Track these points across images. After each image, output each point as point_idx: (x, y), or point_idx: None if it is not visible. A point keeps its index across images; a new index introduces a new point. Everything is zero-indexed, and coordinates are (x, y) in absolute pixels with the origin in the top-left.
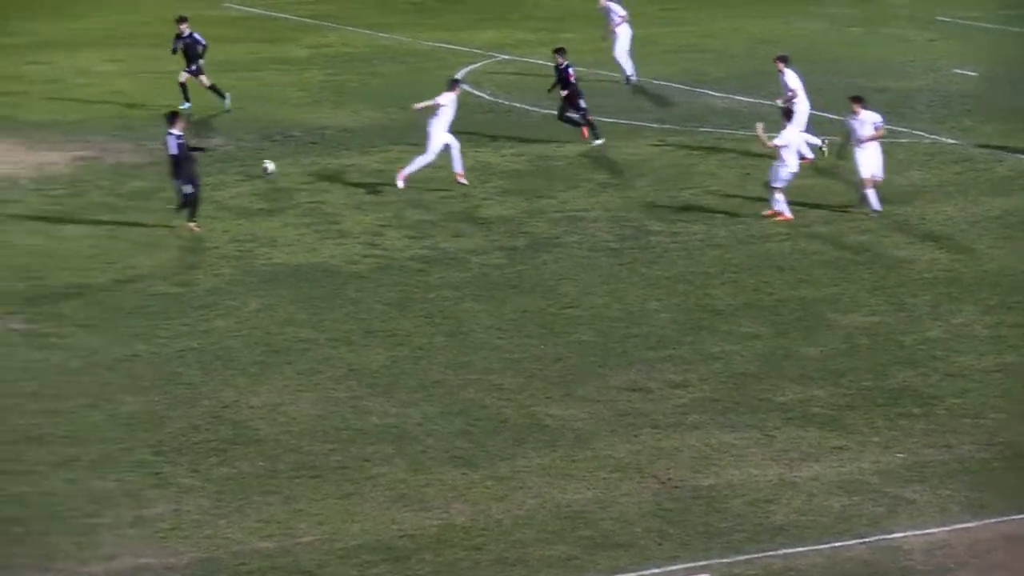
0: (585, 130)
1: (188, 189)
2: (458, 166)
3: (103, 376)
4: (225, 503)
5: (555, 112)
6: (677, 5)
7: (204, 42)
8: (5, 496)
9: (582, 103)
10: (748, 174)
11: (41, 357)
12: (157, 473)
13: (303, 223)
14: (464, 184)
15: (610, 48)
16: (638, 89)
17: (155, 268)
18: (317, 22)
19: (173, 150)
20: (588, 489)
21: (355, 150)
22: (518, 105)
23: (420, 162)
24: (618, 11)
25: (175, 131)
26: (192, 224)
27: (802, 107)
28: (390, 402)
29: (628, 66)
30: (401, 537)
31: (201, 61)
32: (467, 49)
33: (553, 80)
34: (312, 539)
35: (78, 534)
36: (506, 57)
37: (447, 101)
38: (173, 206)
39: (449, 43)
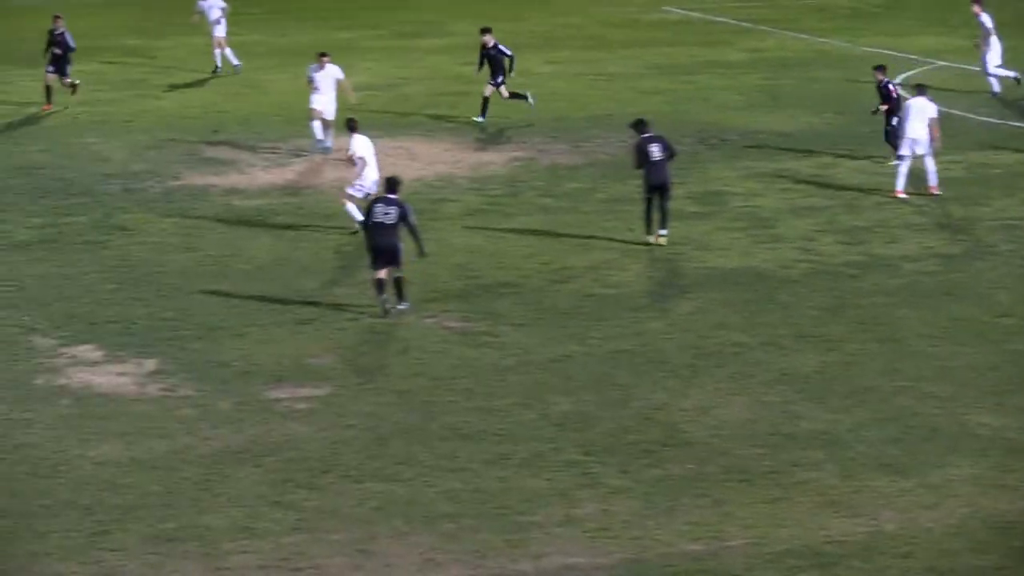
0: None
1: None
2: (901, 183)
3: (536, 375)
4: (654, 505)
5: (994, 120)
6: None
7: (510, 53)
8: (438, 492)
9: (895, 121)
10: None
11: (475, 355)
12: (587, 473)
13: (737, 227)
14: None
15: (980, 57)
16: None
17: (589, 269)
18: (754, 26)
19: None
20: (1021, 500)
21: (790, 155)
22: (956, 112)
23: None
24: (987, 22)
25: (650, 132)
26: (656, 236)
27: None
28: (821, 407)
29: (1003, 73)
30: (829, 543)
31: (512, 73)
32: (904, 55)
33: (878, 101)
34: (740, 543)
35: (508, 532)
36: (943, 64)
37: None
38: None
39: (887, 49)
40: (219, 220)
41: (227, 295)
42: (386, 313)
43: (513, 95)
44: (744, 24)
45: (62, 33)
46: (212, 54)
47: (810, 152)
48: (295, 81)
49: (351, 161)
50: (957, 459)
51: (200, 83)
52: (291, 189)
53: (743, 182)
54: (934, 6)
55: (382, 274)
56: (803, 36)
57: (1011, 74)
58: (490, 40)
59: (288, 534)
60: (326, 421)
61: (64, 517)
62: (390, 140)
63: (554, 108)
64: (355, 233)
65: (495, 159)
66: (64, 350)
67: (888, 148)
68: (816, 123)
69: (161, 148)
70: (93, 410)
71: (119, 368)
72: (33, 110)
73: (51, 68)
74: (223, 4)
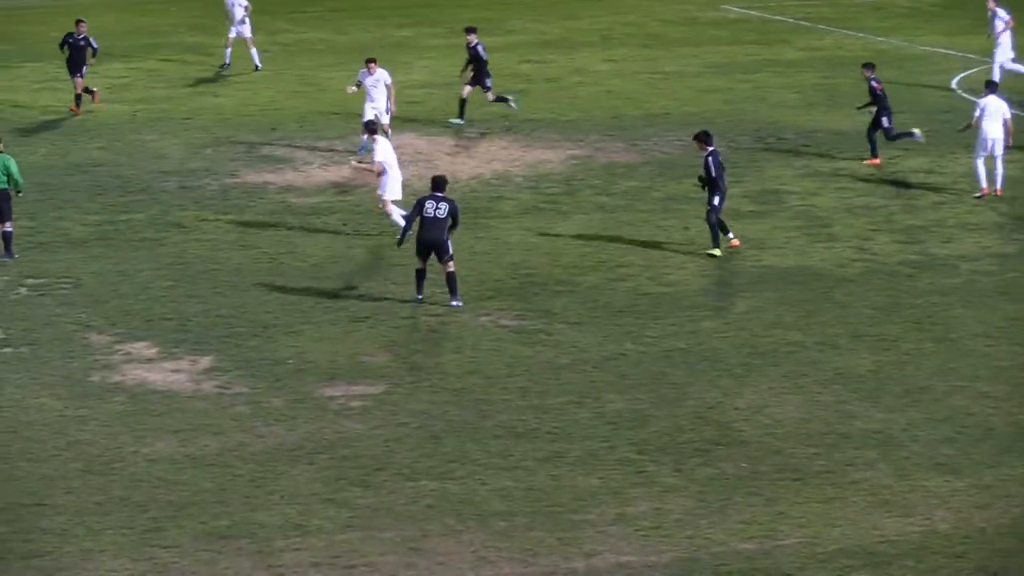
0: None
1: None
2: (984, 181)
3: (590, 374)
4: (707, 503)
5: None
6: None
7: (485, 57)
8: (491, 490)
9: (885, 121)
10: None
11: (530, 353)
12: (640, 472)
13: (793, 226)
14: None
15: (991, 53)
16: None
17: (645, 267)
18: (812, 25)
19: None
20: None
21: (847, 154)
22: (1016, 113)
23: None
24: (1003, 16)
25: (712, 147)
26: (718, 246)
27: None
28: (875, 407)
29: (1016, 67)
30: (882, 543)
31: (488, 81)
32: (962, 54)
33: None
34: (793, 542)
35: (561, 530)
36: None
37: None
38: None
39: (946, 48)
40: (275, 218)
41: (282, 293)
42: (420, 302)
43: (499, 98)
44: (802, 23)
45: (85, 37)
46: (250, 53)
47: (867, 151)
48: (354, 79)
49: (379, 171)
50: (1011, 459)
51: (258, 81)
52: (347, 187)
53: (800, 181)
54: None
55: (422, 264)
56: (861, 35)
57: (998, 71)
58: (473, 40)
59: (341, 532)
60: (380, 419)
61: (118, 514)
62: (447, 138)
63: (611, 106)
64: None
65: (552, 157)
66: (120, 347)
67: (867, 145)
68: None
69: (218, 146)
70: (148, 407)
71: (174, 365)
72: (91, 107)
73: (77, 72)
74: (246, 3)
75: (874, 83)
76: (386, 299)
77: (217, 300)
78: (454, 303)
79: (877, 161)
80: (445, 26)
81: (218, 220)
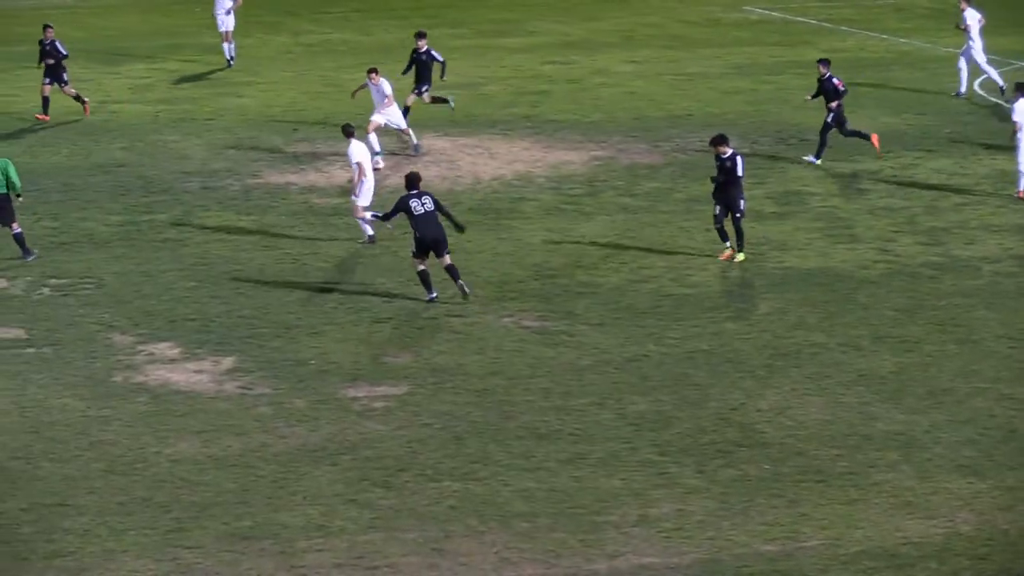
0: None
1: (716, 210)
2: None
3: (612, 375)
4: (730, 505)
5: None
6: None
7: (441, 59)
8: (514, 491)
9: (829, 117)
10: None
11: (553, 354)
12: (663, 473)
13: (815, 227)
14: None
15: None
16: None
17: (667, 269)
18: (835, 26)
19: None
20: None
21: (869, 155)
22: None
23: None
24: (973, 15)
25: (730, 150)
26: (730, 253)
27: None
28: (898, 408)
29: (964, 73)
30: (904, 544)
31: (443, 78)
32: (985, 56)
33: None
34: (815, 544)
35: (584, 531)
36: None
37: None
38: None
39: None
40: (298, 218)
41: (305, 293)
42: (433, 300)
43: (435, 99)
44: (824, 24)
45: (52, 42)
46: (223, 48)
47: (889, 152)
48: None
49: (361, 171)
50: None
51: (281, 82)
52: None
53: (822, 182)
54: (1015, 5)
55: (423, 265)
56: (883, 36)
57: (962, 86)
58: (423, 45)
59: (363, 532)
60: (402, 420)
61: (140, 514)
62: (469, 139)
63: (634, 107)
64: (365, 244)
65: (574, 158)
66: (142, 347)
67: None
68: (895, 123)
69: (241, 146)
70: (170, 407)
71: (197, 366)
72: (114, 107)
73: (47, 79)
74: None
75: (835, 80)
76: (409, 300)
77: (240, 301)
78: (466, 289)
79: (875, 138)
80: (469, 27)
81: (241, 220)
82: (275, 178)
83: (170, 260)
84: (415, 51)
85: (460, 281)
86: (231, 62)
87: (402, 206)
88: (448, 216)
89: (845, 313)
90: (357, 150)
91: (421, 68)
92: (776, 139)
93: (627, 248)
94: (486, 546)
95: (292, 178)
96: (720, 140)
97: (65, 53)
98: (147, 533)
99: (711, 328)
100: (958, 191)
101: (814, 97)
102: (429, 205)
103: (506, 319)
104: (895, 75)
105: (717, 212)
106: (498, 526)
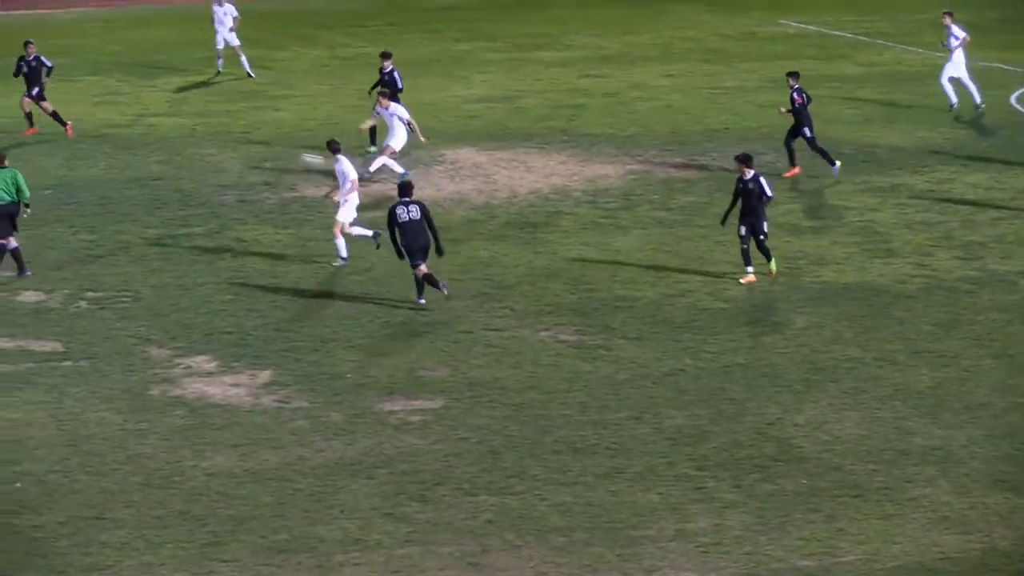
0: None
1: (742, 231)
2: None
3: (649, 389)
4: (767, 520)
5: None
6: None
7: (400, 85)
8: (550, 505)
9: (807, 131)
10: None
11: (589, 369)
12: (700, 488)
13: (852, 241)
14: None
15: (940, 69)
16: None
17: (703, 283)
18: (871, 40)
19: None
20: None
21: (906, 169)
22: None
23: None
24: (957, 33)
25: (752, 171)
26: (752, 278)
27: None
28: (935, 423)
29: (949, 90)
30: (942, 560)
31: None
32: (1021, 70)
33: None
34: (852, 559)
35: (621, 545)
36: None
37: None
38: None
39: (1004, 64)
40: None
41: (341, 306)
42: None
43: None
44: (860, 38)
45: (37, 57)
46: (240, 62)
47: (925, 167)
48: (413, 93)
49: (355, 187)
50: None
51: (317, 96)
52: None
53: (858, 196)
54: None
55: (424, 268)
56: (920, 51)
57: (952, 98)
58: (388, 65)
59: (400, 546)
60: (439, 434)
61: (177, 528)
62: (505, 152)
63: (670, 121)
64: (338, 265)
65: (610, 172)
66: (179, 360)
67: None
68: (931, 138)
69: (277, 159)
70: (207, 421)
71: (233, 379)
72: (151, 121)
73: (30, 93)
74: (235, 13)
75: (796, 95)
76: (445, 313)
77: (276, 314)
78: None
79: (796, 171)
80: (504, 40)
81: (277, 233)
82: (311, 191)
83: (207, 273)
84: (381, 71)
85: (441, 283)
86: (251, 74)
87: (390, 214)
88: (432, 233)
89: (882, 328)
90: (349, 167)
91: (387, 88)
92: (812, 153)
93: (663, 262)
94: (523, 560)
95: (329, 191)
96: (744, 159)
97: (51, 65)
98: (184, 546)
99: (747, 342)
100: (995, 205)
101: (790, 111)
102: (415, 214)
103: (543, 333)
104: (932, 89)
105: (743, 233)
106: (535, 540)
